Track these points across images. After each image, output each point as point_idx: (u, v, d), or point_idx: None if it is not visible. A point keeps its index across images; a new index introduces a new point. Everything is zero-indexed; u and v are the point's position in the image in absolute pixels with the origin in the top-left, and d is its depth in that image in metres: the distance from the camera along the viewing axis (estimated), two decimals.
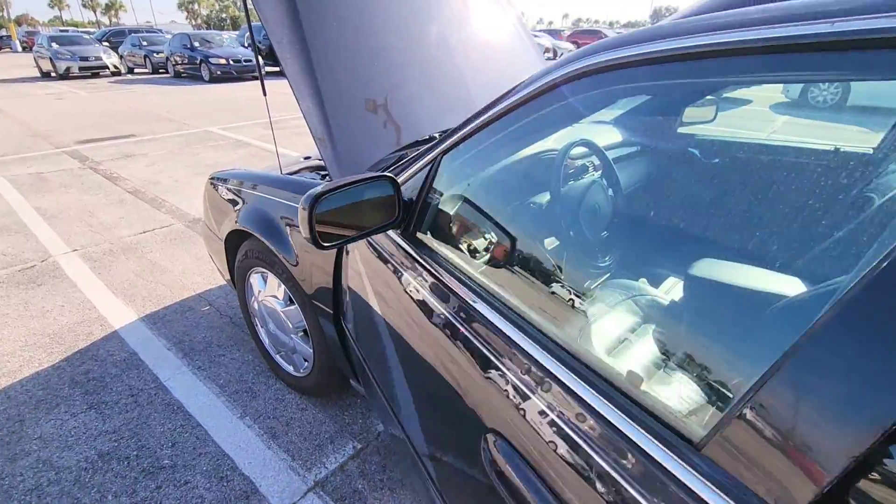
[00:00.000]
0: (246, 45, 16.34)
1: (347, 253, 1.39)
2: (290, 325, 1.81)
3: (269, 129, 7.38)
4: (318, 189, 0.96)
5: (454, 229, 1.12)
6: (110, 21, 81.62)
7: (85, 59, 15.35)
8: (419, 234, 1.14)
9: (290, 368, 1.99)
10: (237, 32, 19.58)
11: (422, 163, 1.14)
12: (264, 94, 1.73)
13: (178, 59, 15.23)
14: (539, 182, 1.31)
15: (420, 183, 1.13)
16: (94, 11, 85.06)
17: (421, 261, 1.08)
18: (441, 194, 1.13)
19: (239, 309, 2.61)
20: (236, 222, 1.85)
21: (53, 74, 15.46)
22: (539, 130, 1.03)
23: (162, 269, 3.05)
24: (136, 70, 17.82)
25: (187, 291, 2.79)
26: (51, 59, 15.12)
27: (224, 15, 75.84)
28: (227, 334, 2.40)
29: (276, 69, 15.97)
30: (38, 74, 16.36)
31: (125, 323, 2.48)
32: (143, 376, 2.09)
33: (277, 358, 2.03)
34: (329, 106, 1.57)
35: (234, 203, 1.92)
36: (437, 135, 1.91)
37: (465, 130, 1.03)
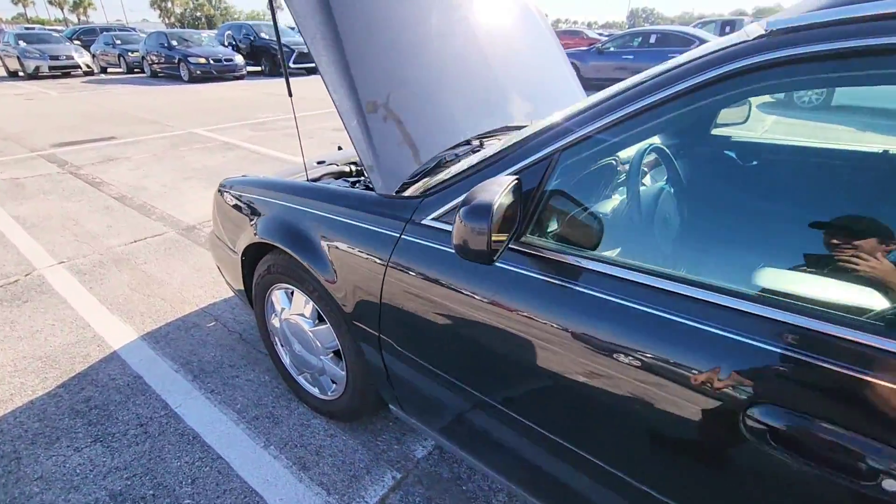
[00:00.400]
0: (227, 43, 15.92)
1: (395, 268, 1.25)
2: (320, 346, 1.66)
3: (256, 131, 7.14)
4: (492, 198, 0.84)
5: (580, 229, 1.04)
6: (78, 19, 78.97)
7: (55, 57, 14.76)
8: (527, 237, 1.03)
9: (315, 391, 1.84)
10: (216, 31, 19.08)
11: (531, 160, 1.02)
12: (290, 94, 1.58)
13: (154, 58, 14.75)
14: (677, 177, 1.21)
15: (534, 182, 1.02)
16: (62, 9, 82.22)
17: (560, 262, 0.98)
18: (562, 193, 1.04)
19: (249, 324, 2.44)
20: (255, 234, 1.70)
21: (21, 74, 14.84)
22: (691, 125, 0.96)
23: (159, 282, 2.85)
24: (109, 70, 17.21)
25: (189, 306, 2.61)
26: (18, 57, 14.50)
27: (199, 13, 74.12)
28: (239, 353, 2.23)
29: (259, 68, 15.64)
30: (5, 74, 15.68)
31: (125, 342, 2.29)
32: (152, 403, 1.92)
33: (300, 380, 1.88)
34: (366, 104, 1.43)
35: (251, 213, 1.76)
36: (476, 139, 1.79)
37: (595, 125, 0.94)
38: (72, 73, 15.50)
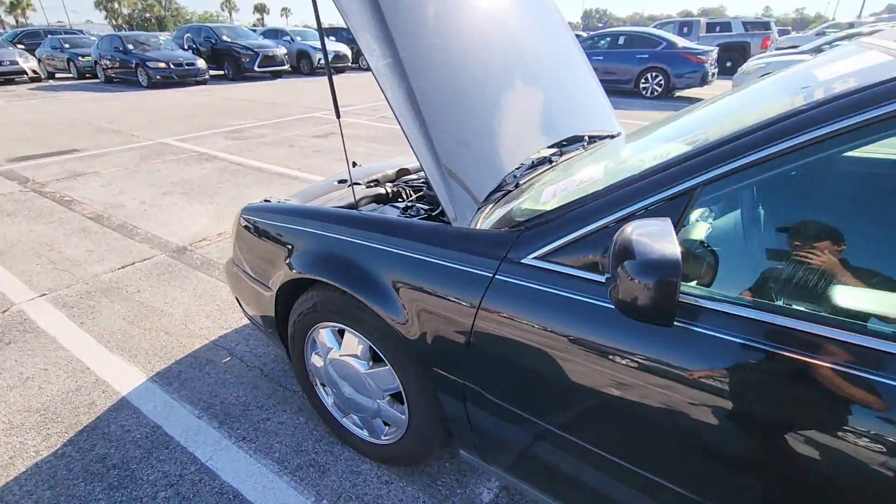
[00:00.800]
0: (186, 46, 15.24)
1: (490, 313, 1.13)
2: (377, 389, 1.52)
3: (232, 140, 6.82)
4: (674, 251, 0.73)
5: (727, 272, 0.93)
6: (17, 21, 74.26)
7: None
8: None
9: (363, 434, 1.70)
10: (170, 33, 18.24)
11: (668, 194, 0.92)
12: (338, 116, 1.43)
13: (108, 62, 13.96)
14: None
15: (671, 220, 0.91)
16: None
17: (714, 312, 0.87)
18: (699, 232, 0.95)
19: (268, 357, 2.26)
20: (295, 269, 1.54)
21: None
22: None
23: (158, 313, 2.62)
24: (57, 75, 16.21)
25: (198, 339, 2.40)
26: None
27: (148, 14, 70.95)
28: (264, 391, 2.06)
29: (222, 72, 15.06)
30: None
31: (133, 386, 2.07)
32: (178, 457, 1.72)
33: (345, 422, 1.73)
34: (432, 129, 1.31)
35: (286, 245, 1.61)
36: (531, 160, 1.69)
37: (753, 156, 0.83)
38: (16, 79, 14.50)
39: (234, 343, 2.37)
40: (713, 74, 10.94)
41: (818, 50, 10.99)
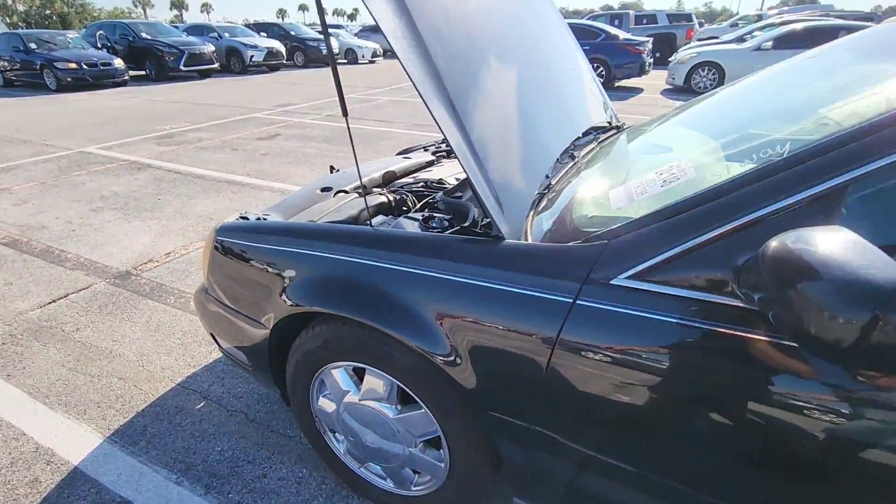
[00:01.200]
0: (100, 45, 13.86)
1: (573, 347, 0.93)
2: (410, 435, 1.29)
3: (165, 146, 6.20)
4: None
5: None
6: None
7: None
8: None
9: (387, 485, 1.45)
10: (81, 31, 16.54)
11: (811, 193, 0.75)
12: (345, 114, 1.18)
13: (6, 63, 12.45)
14: None
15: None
16: None
17: None
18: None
19: (251, 397, 1.95)
20: (290, 302, 1.28)
21: None
22: None
23: (107, 354, 2.22)
24: None
25: (161, 383, 2.04)
26: None
27: (48, 11, 64.53)
28: (253, 440, 1.75)
29: (142, 72, 13.88)
30: None
31: (87, 451, 1.70)
32: None
33: (362, 472, 1.48)
34: (471, 128, 1.10)
35: (282, 272, 1.33)
36: (567, 156, 1.51)
37: None
38: None
39: (206, 384, 2.04)
40: (650, 64, 11.33)
41: (742, 40, 11.79)
